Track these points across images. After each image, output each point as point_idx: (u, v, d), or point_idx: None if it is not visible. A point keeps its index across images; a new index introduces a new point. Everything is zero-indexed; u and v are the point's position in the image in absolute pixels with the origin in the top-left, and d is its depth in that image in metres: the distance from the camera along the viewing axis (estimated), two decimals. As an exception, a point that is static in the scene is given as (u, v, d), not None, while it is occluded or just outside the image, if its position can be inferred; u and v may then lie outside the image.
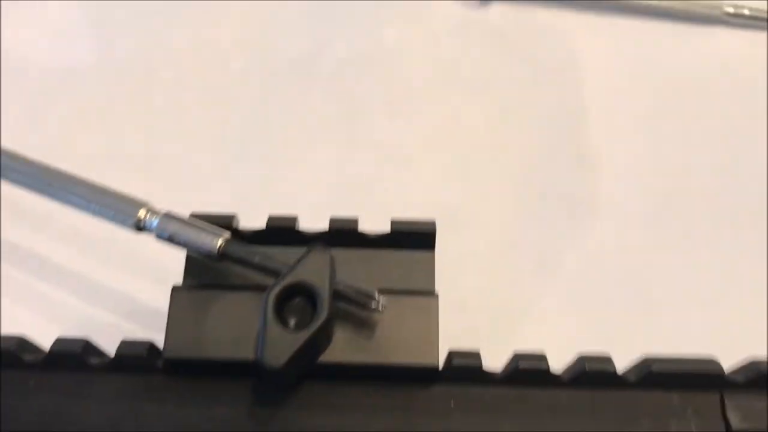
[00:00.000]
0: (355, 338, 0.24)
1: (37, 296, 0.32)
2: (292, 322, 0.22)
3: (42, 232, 0.33)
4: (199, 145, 0.36)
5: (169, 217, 0.24)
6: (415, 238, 0.26)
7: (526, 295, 0.33)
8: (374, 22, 0.40)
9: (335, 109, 0.37)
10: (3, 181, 0.25)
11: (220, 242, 0.23)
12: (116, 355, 0.24)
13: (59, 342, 0.23)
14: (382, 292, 0.23)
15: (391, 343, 0.23)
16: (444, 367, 0.24)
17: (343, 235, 0.25)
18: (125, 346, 0.23)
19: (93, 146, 0.35)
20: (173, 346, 0.23)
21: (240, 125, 0.37)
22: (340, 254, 0.23)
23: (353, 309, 0.23)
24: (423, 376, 0.24)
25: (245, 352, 0.23)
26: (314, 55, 0.39)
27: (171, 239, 0.24)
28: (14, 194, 0.26)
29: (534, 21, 0.40)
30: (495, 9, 0.40)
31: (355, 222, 0.25)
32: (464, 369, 0.23)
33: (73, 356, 0.23)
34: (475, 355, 0.24)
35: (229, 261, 0.24)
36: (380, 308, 0.22)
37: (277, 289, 0.22)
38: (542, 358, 0.23)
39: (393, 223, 0.25)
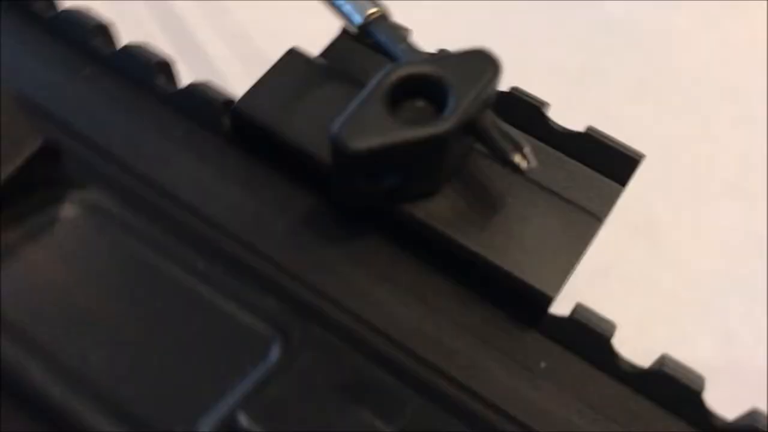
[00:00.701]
0: (468, 212, 0.16)
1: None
2: (402, 115, 0.15)
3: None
4: None
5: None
6: (610, 160, 0.18)
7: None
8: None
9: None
10: None
11: (372, 11, 0.17)
12: (186, 90, 0.18)
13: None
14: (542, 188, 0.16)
15: (509, 243, 0.16)
16: (560, 317, 0.16)
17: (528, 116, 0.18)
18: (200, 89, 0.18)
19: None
20: (249, 103, 0.17)
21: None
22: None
23: (488, 165, 0.16)
24: (528, 305, 0.16)
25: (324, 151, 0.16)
26: None
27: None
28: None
29: None
30: None
31: (544, 106, 0.18)
32: (582, 330, 0.15)
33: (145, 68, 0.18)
34: (606, 323, 0.16)
35: (372, 42, 0.17)
36: (525, 165, 0.15)
37: (405, 70, 0.15)
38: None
39: (592, 132, 0.18)
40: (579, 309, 0.16)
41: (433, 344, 0.16)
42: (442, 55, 0.16)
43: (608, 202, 0.18)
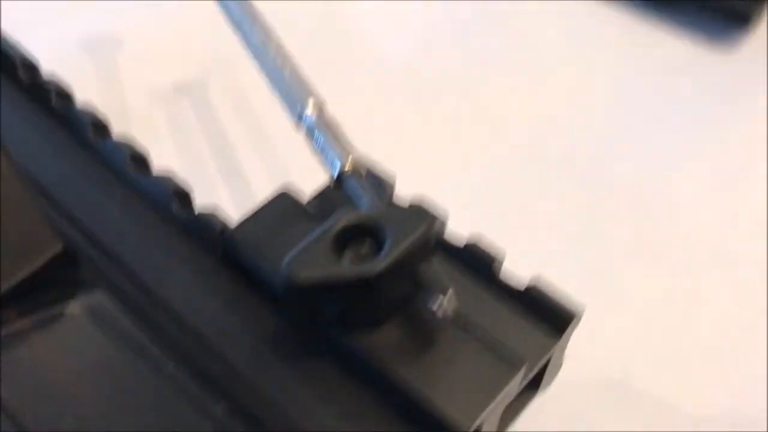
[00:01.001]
0: (403, 346, 0.19)
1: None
2: (347, 255, 0.18)
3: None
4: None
5: (324, 118, 0.21)
6: (550, 313, 0.20)
7: None
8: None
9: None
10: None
11: (345, 166, 0.20)
12: (194, 216, 0.22)
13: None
14: (471, 329, 0.18)
15: (434, 377, 0.18)
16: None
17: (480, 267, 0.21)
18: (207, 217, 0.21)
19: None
20: (236, 235, 0.21)
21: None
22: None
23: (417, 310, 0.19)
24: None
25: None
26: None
27: (311, 135, 0.21)
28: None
29: None
30: None
31: (497, 261, 0.21)
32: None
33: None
34: None
35: (344, 191, 0.20)
36: (439, 312, 0.17)
37: (353, 218, 0.18)
38: None
39: (535, 283, 0.20)
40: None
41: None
42: (389, 208, 0.19)
43: (538, 352, 0.20)
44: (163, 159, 0.24)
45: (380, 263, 0.17)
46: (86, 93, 0.26)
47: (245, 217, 0.21)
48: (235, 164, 0.34)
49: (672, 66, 0.37)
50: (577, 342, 0.27)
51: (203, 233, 0.21)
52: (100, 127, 0.24)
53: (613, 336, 0.28)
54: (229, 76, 0.37)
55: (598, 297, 0.29)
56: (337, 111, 0.22)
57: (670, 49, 0.37)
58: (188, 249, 0.21)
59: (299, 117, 0.22)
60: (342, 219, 0.18)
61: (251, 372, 0.19)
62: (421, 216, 0.18)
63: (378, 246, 0.18)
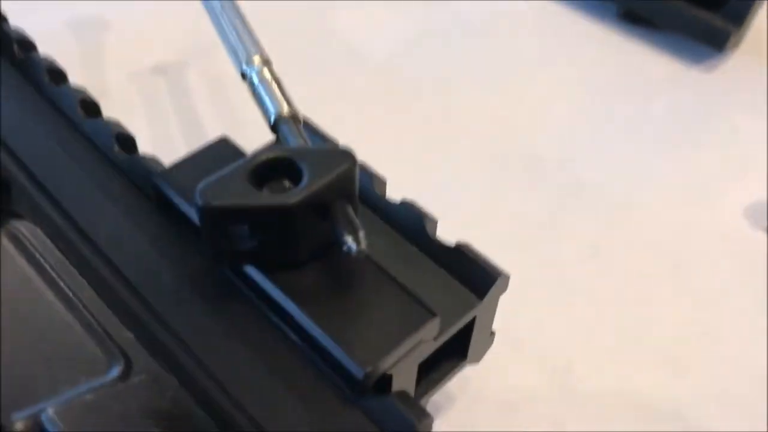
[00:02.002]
0: (318, 288, 0.18)
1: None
2: (265, 190, 0.18)
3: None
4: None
5: (266, 72, 0.22)
6: (474, 274, 0.20)
7: None
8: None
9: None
10: None
11: (280, 112, 0.20)
12: (131, 159, 0.22)
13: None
14: (390, 281, 0.18)
15: (342, 319, 0.18)
16: (372, 386, 0.17)
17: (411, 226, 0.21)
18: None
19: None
20: (165, 176, 0.21)
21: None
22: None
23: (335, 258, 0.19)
24: (347, 378, 0.17)
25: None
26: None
27: (252, 86, 0.21)
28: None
29: None
30: None
31: (430, 220, 0.21)
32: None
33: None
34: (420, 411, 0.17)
35: (279, 138, 0.21)
36: (353, 249, 0.17)
37: (272, 153, 0.18)
38: None
39: (462, 246, 0.20)
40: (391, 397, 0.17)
41: (259, 399, 0.17)
42: (307, 148, 0.18)
43: (462, 309, 0.19)
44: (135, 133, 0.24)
45: (296, 195, 0.17)
46: (69, 70, 0.26)
47: (180, 159, 0.21)
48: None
49: (648, 82, 0.37)
50: (524, 327, 0.27)
51: (140, 175, 0.21)
52: (56, 74, 0.24)
53: (559, 329, 0.27)
54: (208, 62, 0.37)
55: (550, 290, 0.29)
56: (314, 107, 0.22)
57: (647, 66, 0.38)
58: (123, 190, 0.21)
59: (244, 69, 0.22)
60: (262, 153, 0.18)
61: (164, 307, 0.19)
62: (342, 157, 0.18)
63: (297, 183, 0.18)
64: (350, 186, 0.18)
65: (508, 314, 0.22)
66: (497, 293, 0.20)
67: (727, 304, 0.28)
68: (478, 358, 0.22)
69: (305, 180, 0.17)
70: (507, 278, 0.20)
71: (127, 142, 0.22)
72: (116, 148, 0.22)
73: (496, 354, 0.23)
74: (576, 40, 0.39)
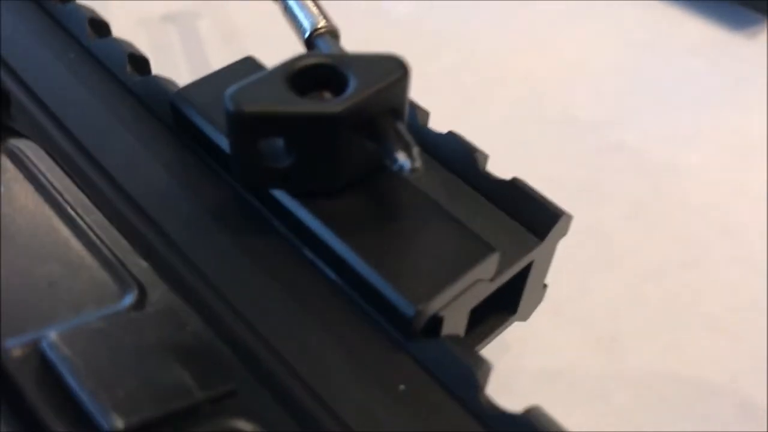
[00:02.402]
0: (361, 217, 0.16)
1: None
2: (305, 98, 0.15)
3: None
4: None
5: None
6: (533, 213, 0.18)
7: None
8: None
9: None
10: None
11: (316, 25, 0.18)
12: (144, 80, 0.19)
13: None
14: (441, 214, 0.16)
15: (390, 251, 0.16)
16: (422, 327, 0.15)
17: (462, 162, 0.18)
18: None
19: None
20: (185, 93, 0.18)
21: None
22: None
23: (400, 184, 0.16)
24: (397, 316, 0.15)
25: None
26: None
27: (285, 7, 0.19)
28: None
29: None
30: None
31: (480, 153, 0.18)
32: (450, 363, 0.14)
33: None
34: (481, 362, 0.15)
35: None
36: (406, 168, 0.15)
37: (312, 59, 0.16)
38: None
39: (518, 182, 0.18)
40: (445, 341, 0.15)
41: (291, 340, 0.15)
42: (354, 54, 0.16)
43: (520, 249, 0.17)
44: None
45: (343, 102, 0.15)
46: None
47: (201, 78, 0.19)
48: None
49: (688, 46, 0.35)
50: (565, 292, 0.24)
51: (155, 97, 0.19)
52: (62, -8, 0.22)
53: (603, 295, 0.25)
54: (221, 11, 0.35)
55: (592, 254, 0.26)
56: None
57: (687, 29, 0.35)
58: (136, 112, 0.19)
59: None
60: (302, 58, 0.15)
61: (183, 238, 0.16)
62: (392, 64, 0.15)
63: (340, 93, 0.15)
64: (401, 98, 0.16)
65: (548, 277, 0.20)
66: (557, 236, 0.18)
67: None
68: (526, 315, 0.20)
69: (351, 87, 0.15)
70: (569, 218, 0.18)
71: (140, 62, 0.20)
72: (129, 68, 0.20)
73: (537, 319, 0.21)
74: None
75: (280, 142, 0.15)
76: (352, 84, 0.15)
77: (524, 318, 0.20)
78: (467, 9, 0.36)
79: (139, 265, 0.15)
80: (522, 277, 0.18)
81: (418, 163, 0.15)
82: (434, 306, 0.15)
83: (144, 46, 0.30)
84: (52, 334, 0.12)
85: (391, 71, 0.15)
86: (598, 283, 0.25)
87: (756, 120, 0.31)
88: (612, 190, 0.28)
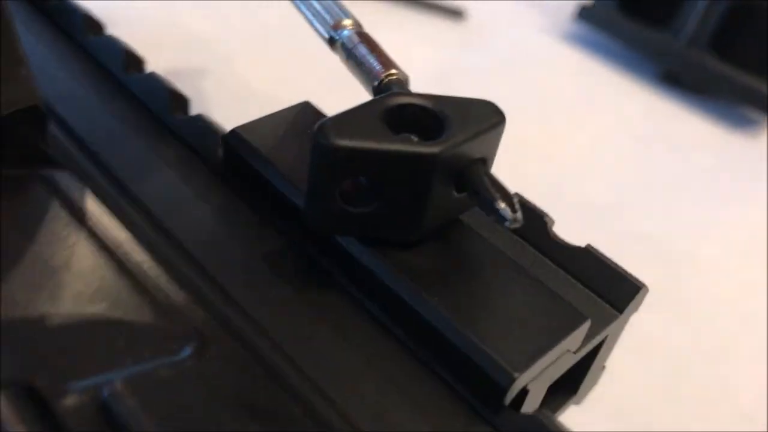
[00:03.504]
0: (443, 273, 0.15)
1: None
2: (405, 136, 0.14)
3: None
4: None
5: (361, 35, 0.18)
6: (609, 284, 0.16)
7: None
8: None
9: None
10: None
11: (388, 73, 0.17)
12: (189, 119, 0.18)
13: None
14: (524, 274, 0.15)
15: (478, 312, 0.14)
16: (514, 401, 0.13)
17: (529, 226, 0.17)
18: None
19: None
20: (243, 133, 0.17)
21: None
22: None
23: (476, 238, 0.15)
24: (487, 386, 0.13)
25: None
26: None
27: (348, 53, 0.18)
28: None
29: None
30: None
31: (548, 217, 0.17)
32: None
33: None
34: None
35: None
36: (507, 217, 0.13)
37: (406, 98, 0.15)
38: None
39: (592, 250, 0.17)
40: (540, 417, 0.13)
41: (364, 407, 0.13)
42: (449, 96, 0.15)
43: (599, 321, 0.16)
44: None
45: (441, 144, 0.13)
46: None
47: (255, 120, 0.17)
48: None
49: (691, 143, 0.35)
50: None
51: (200, 137, 0.18)
52: (94, 25, 0.21)
53: (633, 387, 0.24)
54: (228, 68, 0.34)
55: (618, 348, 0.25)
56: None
57: (689, 127, 0.36)
58: (179, 154, 0.18)
59: (334, 33, 0.19)
60: (397, 95, 0.14)
61: (237, 289, 0.15)
62: (489, 110, 0.14)
63: (431, 137, 0.14)
64: (495, 145, 0.14)
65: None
66: (633, 309, 0.17)
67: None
68: (582, 397, 0.18)
69: (449, 130, 0.14)
70: (646, 291, 0.16)
71: (181, 102, 0.19)
72: (170, 107, 0.18)
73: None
74: (616, 93, 0.37)
75: (362, 185, 0.14)
76: (450, 127, 0.14)
77: (579, 401, 0.18)
78: (478, 91, 0.36)
79: (195, 314, 0.13)
80: (591, 354, 0.17)
81: (519, 213, 0.13)
82: (529, 376, 0.13)
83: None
84: (118, 382, 0.10)
85: (489, 117, 0.14)
86: (626, 373, 0.24)
87: (761, 214, 0.31)
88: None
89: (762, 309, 0.27)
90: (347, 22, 0.19)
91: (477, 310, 0.14)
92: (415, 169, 0.14)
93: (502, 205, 0.13)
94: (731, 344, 0.26)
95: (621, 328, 0.17)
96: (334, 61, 0.19)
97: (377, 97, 0.14)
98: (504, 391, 0.13)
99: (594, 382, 0.18)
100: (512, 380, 0.13)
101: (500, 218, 0.13)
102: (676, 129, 0.36)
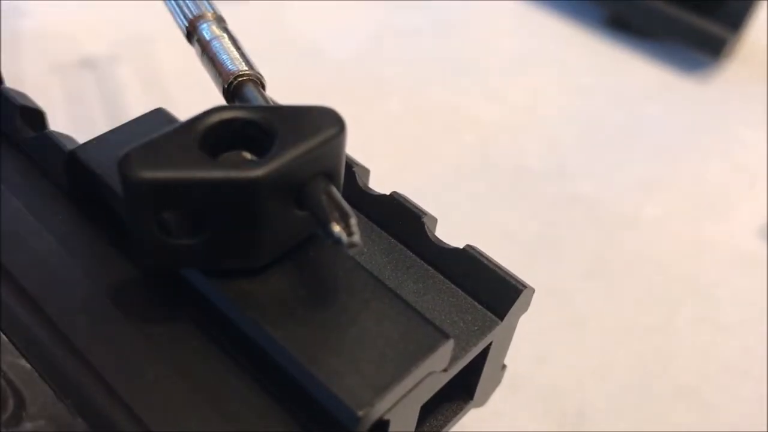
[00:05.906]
0: (289, 301, 0.13)
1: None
2: (220, 161, 0.13)
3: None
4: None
5: (222, 30, 0.17)
6: (490, 288, 0.15)
7: None
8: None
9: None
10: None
11: (239, 73, 0.16)
12: (38, 137, 0.17)
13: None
14: (383, 294, 0.13)
15: (325, 343, 0.13)
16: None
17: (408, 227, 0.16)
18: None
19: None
20: (86, 150, 0.15)
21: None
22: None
23: (333, 257, 0.14)
24: (335, 424, 0.12)
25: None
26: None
27: (203, 49, 0.17)
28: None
29: None
30: None
31: (428, 217, 0.16)
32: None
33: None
34: None
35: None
36: (343, 242, 0.12)
37: (228, 112, 0.13)
38: None
39: (471, 250, 0.15)
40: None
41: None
42: (281, 106, 0.14)
43: (477, 331, 0.15)
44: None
45: (265, 165, 0.12)
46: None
47: (99, 136, 0.16)
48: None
49: (639, 91, 0.33)
50: (524, 363, 0.22)
51: (50, 157, 0.16)
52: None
53: (566, 364, 0.23)
54: (142, 54, 0.32)
55: (551, 319, 0.24)
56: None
57: (637, 74, 0.34)
58: (26, 174, 0.16)
59: (191, 26, 0.17)
60: (214, 113, 0.13)
61: (72, 327, 0.13)
62: (327, 119, 0.13)
63: (262, 154, 0.13)
64: (336, 159, 0.13)
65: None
66: (518, 312, 0.15)
67: (750, 334, 0.24)
68: (484, 400, 0.17)
69: (277, 147, 0.12)
70: (531, 292, 0.15)
71: (34, 116, 0.17)
72: (19, 122, 0.17)
73: (494, 395, 0.18)
74: (559, 43, 0.35)
75: (187, 215, 0.13)
76: (278, 142, 0.13)
77: (481, 403, 0.17)
78: (413, 53, 0.34)
79: (18, 367, 0.12)
80: (480, 360, 0.16)
81: (357, 237, 0.12)
82: (380, 409, 0.12)
83: (56, 96, 0.27)
84: None
85: (324, 127, 0.13)
86: (559, 350, 0.23)
87: (717, 168, 0.30)
88: (567, 244, 0.26)
89: (705, 272, 0.26)
90: (209, 14, 0.17)
91: (324, 341, 0.13)
92: (237, 196, 0.12)
93: (336, 228, 0.12)
94: (671, 314, 0.25)
95: (508, 331, 0.16)
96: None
97: (196, 115, 0.13)
98: (351, 430, 0.12)
99: (495, 382, 0.17)
100: (357, 419, 0.12)
101: (335, 241, 0.12)
102: (622, 78, 0.34)
